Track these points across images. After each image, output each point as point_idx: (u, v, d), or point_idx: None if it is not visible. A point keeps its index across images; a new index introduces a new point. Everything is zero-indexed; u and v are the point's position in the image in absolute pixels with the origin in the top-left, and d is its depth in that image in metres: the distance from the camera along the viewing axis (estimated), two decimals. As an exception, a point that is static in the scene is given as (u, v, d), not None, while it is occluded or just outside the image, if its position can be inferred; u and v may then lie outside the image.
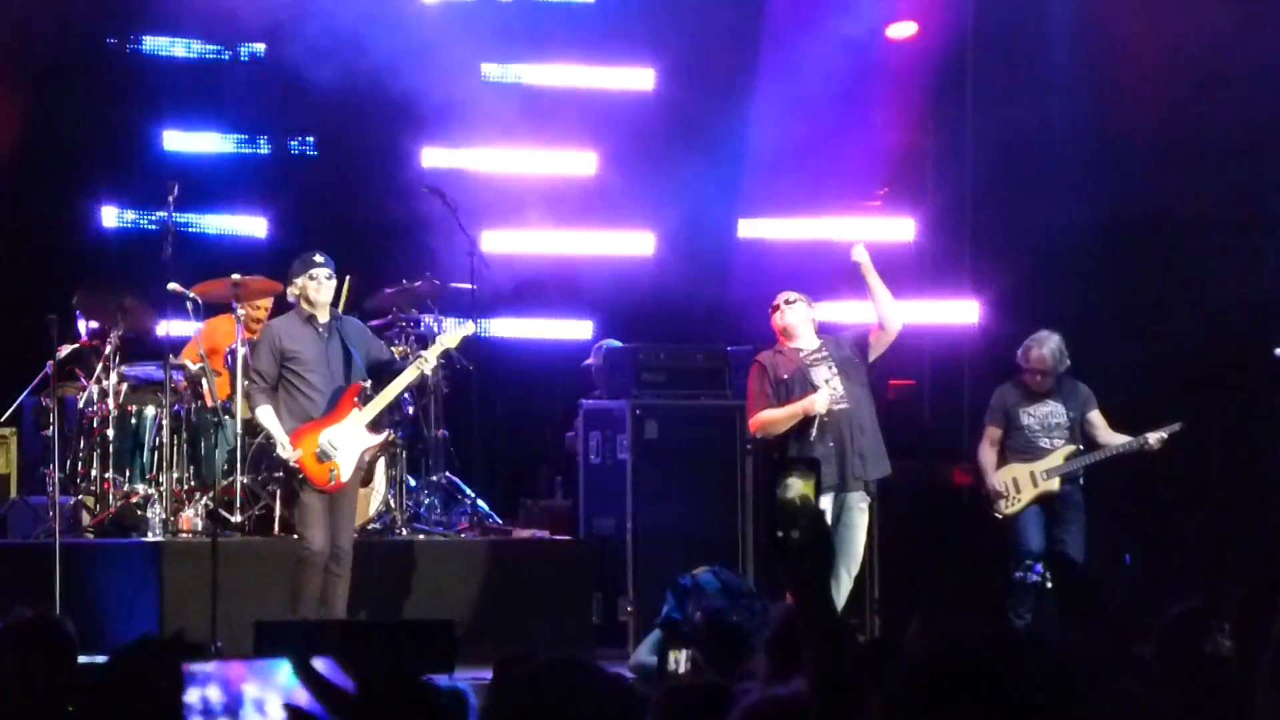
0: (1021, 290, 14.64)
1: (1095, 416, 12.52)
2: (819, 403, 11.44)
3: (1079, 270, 14.80)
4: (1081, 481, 12.49)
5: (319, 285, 11.25)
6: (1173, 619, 5.09)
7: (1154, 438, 12.32)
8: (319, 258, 11.30)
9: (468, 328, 12.06)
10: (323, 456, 11.07)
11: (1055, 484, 12.36)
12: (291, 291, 11.37)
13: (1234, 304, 14.08)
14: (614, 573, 12.97)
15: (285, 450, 11.09)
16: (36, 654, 5.28)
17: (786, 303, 11.70)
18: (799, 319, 11.68)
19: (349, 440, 11.15)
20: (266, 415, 11.20)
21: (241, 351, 12.04)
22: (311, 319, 11.25)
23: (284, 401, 11.20)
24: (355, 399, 11.30)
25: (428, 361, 11.59)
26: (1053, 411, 12.50)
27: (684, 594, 10.15)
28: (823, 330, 11.87)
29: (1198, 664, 4.58)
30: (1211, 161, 14.49)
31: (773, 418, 11.55)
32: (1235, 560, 13.31)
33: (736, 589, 10.13)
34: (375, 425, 11.41)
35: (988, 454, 12.58)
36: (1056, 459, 12.42)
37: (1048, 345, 12.44)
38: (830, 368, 11.59)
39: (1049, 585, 9.19)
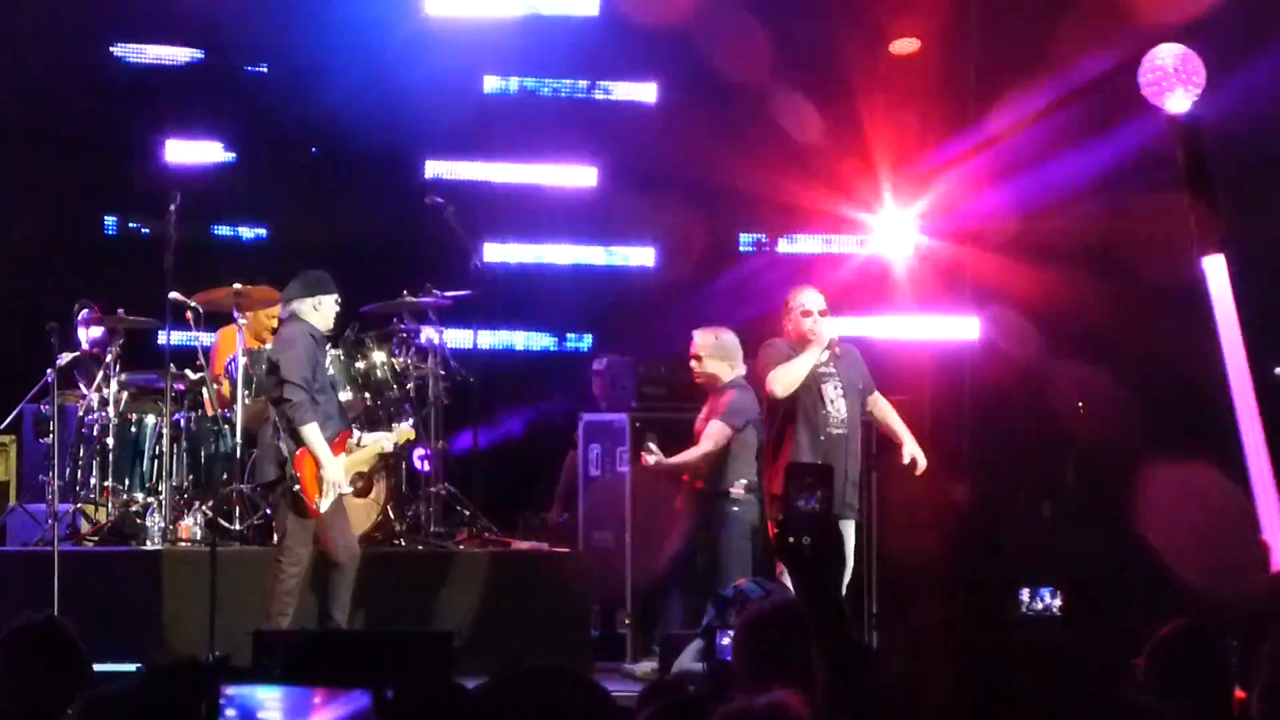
0: (1023, 307, 14.62)
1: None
2: (826, 333, 11.14)
3: (1080, 288, 14.77)
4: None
5: (336, 312, 11.24)
6: (1170, 635, 5.09)
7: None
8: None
9: (409, 433, 12.03)
10: (320, 482, 11.04)
11: None
12: (313, 306, 11.08)
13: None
14: (612, 585, 12.98)
15: (334, 476, 10.96)
16: (43, 659, 5.29)
17: (821, 313, 11.24)
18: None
19: (340, 478, 11.13)
20: (315, 434, 10.95)
21: (242, 361, 12.04)
22: (323, 339, 11.21)
23: None
24: (345, 445, 11.26)
25: (381, 446, 11.76)
26: None
27: (726, 604, 10.16)
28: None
29: (1195, 681, 4.59)
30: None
31: (790, 366, 11.10)
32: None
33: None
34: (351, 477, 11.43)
35: None
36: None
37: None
38: (836, 387, 11.31)
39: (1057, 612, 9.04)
